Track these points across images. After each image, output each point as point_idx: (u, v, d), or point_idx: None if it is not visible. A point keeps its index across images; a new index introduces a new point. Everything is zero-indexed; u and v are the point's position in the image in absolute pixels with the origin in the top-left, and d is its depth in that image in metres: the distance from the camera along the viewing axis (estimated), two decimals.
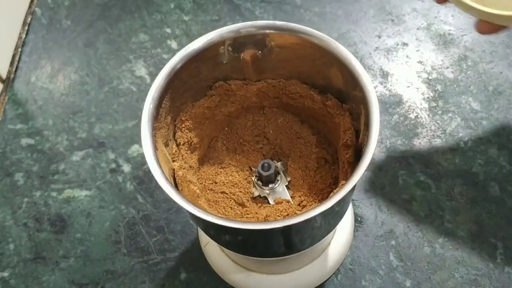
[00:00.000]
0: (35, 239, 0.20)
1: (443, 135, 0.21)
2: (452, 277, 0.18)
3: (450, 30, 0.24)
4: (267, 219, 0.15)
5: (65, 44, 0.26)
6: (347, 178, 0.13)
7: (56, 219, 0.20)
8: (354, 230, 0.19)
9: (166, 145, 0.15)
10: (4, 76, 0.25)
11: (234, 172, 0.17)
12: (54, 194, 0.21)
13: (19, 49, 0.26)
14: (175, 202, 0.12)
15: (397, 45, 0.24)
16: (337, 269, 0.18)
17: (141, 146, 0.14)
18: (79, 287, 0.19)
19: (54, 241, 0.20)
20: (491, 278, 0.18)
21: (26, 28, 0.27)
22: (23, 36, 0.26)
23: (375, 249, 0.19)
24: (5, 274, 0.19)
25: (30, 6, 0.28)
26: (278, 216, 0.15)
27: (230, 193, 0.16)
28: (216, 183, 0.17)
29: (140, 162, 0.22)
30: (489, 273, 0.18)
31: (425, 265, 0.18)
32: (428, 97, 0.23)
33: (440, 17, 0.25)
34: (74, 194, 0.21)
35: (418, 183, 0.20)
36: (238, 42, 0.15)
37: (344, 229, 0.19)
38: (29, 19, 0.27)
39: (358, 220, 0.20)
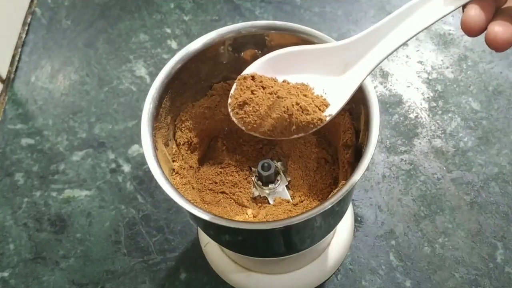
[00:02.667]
0: (35, 239, 0.20)
1: (443, 135, 0.22)
2: (452, 277, 0.18)
3: (450, 30, 0.24)
4: (267, 219, 0.15)
5: (65, 44, 0.26)
6: (347, 178, 0.13)
7: (56, 219, 0.20)
8: (354, 230, 0.19)
9: (166, 145, 0.15)
10: (4, 76, 0.25)
11: (234, 172, 0.17)
12: (54, 194, 0.21)
13: (19, 49, 0.26)
14: (175, 202, 0.12)
15: None
16: (337, 269, 0.19)
17: (141, 146, 0.14)
18: (79, 287, 0.19)
19: (54, 241, 0.20)
20: (491, 278, 0.18)
21: (26, 28, 0.27)
22: (23, 36, 0.27)
23: (375, 249, 0.19)
24: (5, 274, 0.19)
25: (30, 6, 0.28)
26: (278, 216, 0.15)
27: (230, 193, 0.16)
28: (216, 183, 0.17)
29: (140, 162, 0.22)
30: (489, 273, 0.18)
31: (425, 265, 0.18)
32: (428, 97, 0.23)
33: None
34: (74, 194, 0.21)
35: (418, 183, 0.20)
36: (238, 42, 0.15)
37: (344, 229, 0.19)
38: (29, 19, 0.27)
39: (358, 220, 0.20)
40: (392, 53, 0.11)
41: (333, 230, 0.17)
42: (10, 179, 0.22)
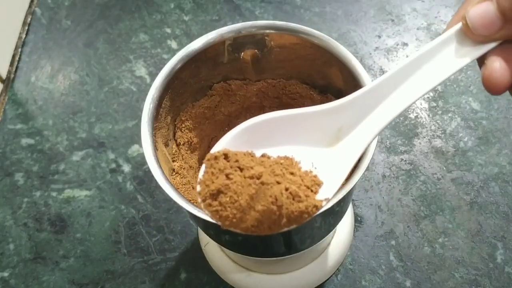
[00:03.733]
0: (35, 239, 0.20)
1: (443, 135, 0.21)
2: (452, 277, 0.18)
3: None
4: None
5: (65, 44, 0.26)
6: (347, 178, 0.12)
7: (56, 219, 0.20)
8: (354, 230, 0.19)
9: (166, 145, 0.15)
10: (4, 76, 0.25)
11: None
12: (54, 194, 0.21)
13: (19, 49, 0.26)
14: (175, 202, 0.11)
15: (397, 45, 0.24)
16: (337, 269, 0.19)
17: (141, 146, 0.14)
18: (79, 287, 0.19)
19: (54, 241, 0.20)
20: (491, 278, 0.18)
21: (26, 28, 0.27)
22: (23, 36, 0.26)
23: (375, 249, 0.19)
24: (5, 274, 0.19)
25: (30, 6, 0.28)
26: None
27: None
28: None
29: (140, 162, 0.22)
30: (489, 273, 0.18)
31: (425, 265, 0.18)
32: (428, 97, 0.23)
33: (440, 17, 0.25)
34: (74, 194, 0.21)
35: (418, 183, 0.20)
36: (238, 42, 0.15)
37: (344, 229, 0.19)
38: (29, 19, 0.27)
39: (358, 220, 0.20)
40: (398, 115, 0.09)
41: (333, 230, 0.17)
42: (10, 179, 0.21)
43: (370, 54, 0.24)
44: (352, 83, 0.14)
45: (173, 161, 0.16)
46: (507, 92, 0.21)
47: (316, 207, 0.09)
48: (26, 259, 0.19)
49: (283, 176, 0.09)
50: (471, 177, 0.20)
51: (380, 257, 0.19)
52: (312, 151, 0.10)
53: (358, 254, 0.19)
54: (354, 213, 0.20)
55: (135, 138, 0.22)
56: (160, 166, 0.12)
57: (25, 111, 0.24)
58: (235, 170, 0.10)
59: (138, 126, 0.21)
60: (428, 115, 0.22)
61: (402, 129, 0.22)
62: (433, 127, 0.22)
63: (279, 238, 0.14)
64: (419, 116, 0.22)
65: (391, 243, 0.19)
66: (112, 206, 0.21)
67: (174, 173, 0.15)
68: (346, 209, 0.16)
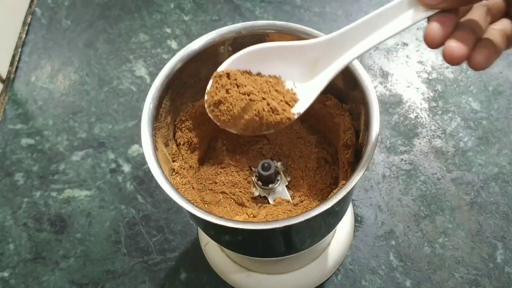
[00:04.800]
0: (35, 239, 0.20)
1: (443, 135, 0.22)
2: (452, 277, 0.18)
3: None
4: (267, 219, 0.15)
5: (65, 44, 0.26)
6: (347, 178, 0.13)
7: (56, 219, 0.20)
8: (354, 230, 0.19)
9: (166, 145, 0.15)
10: (4, 76, 0.25)
11: (234, 172, 0.17)
12: (54, 194, 0.21)
13: (19, 49, 0.26)
14: (175, 202, 0.12)
15: (397, 45, 0.24)
16: (337, 269, 0.19)
17: (141, 146, 0.14)
18: (79, 287, 0.19)
19: (54, 241, 0.20)
20: (491, 278, 0.18)
21: (26, 28, 0.27)
22: (23, 36, 0.27)
23: (375, 249, 0.19)
24: (5, 274, 0.19)
25: (30, 6, 0.28)
26: (278, 216, 0.15)
27: (230, 193, 0.16)
28: (216, 183, 0.17)
29: (140, 162, 0.22)
30: (489, 273, 0.18)
31: (425, 265, 0.18)
32: (428, 97, 0.23)
33: None
34: (74, 194, 0.21)
35: (418, 183, 0.20)
36: (238, 42, 0.15)
37: (344, 229, 0.19)
38: (29, 19, 0.27)
39: (358, 220, 0.20)
40: (358, 56, 0.12)
41: (333, 230, 0.17)
42: (10, 179, 0.21)
43: (370, 54, 0.24)
44: (352, 83, 0.14)
45: (173, 161, 0.16)
46: (507, 92, 0.21)
47: (289, 119, 0.13)
48: (26, 259, 0.19)
49: (269, 93, 0.13)
50: (471, 177, 0.20)
51: (380, 257, 0.19)
52: (295, 74, 0.13)
53: (358, 254, 0.19)
54: (354, 213, 0.20)
55: (135, 138, 0.22)
56: (160, 166, 0.13)
57: (25, 111, 0.24)
58: (233, 86, 0.12)
59: (138, 126, 0.20)
60: (428, 115, 0.22)
61: (402, 129, 0.22)
62: (433, 127, 0.22)
63: (279, 238, 0.14)
64: (419, 116, 0.22)
65: (391, 243, 0.19)
66: (112, 206, 0.21)
67: (174, 173, 0.15)
68: (346, 209, 0.16)
